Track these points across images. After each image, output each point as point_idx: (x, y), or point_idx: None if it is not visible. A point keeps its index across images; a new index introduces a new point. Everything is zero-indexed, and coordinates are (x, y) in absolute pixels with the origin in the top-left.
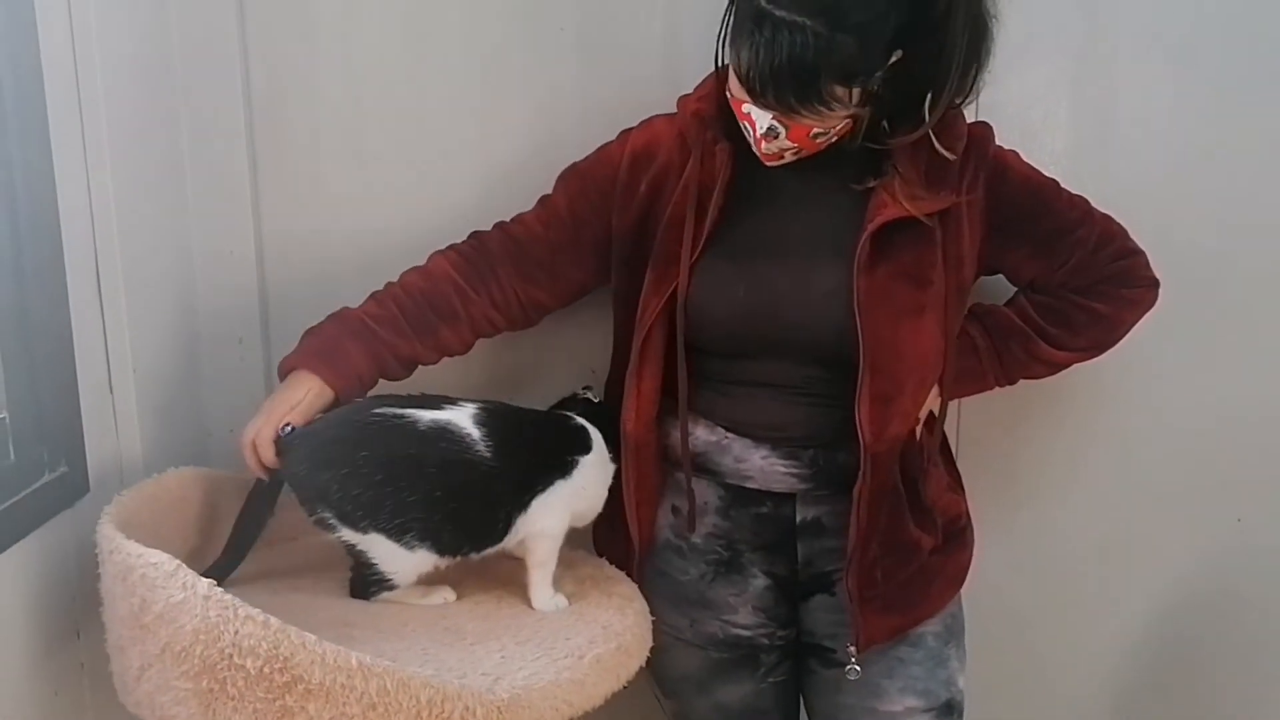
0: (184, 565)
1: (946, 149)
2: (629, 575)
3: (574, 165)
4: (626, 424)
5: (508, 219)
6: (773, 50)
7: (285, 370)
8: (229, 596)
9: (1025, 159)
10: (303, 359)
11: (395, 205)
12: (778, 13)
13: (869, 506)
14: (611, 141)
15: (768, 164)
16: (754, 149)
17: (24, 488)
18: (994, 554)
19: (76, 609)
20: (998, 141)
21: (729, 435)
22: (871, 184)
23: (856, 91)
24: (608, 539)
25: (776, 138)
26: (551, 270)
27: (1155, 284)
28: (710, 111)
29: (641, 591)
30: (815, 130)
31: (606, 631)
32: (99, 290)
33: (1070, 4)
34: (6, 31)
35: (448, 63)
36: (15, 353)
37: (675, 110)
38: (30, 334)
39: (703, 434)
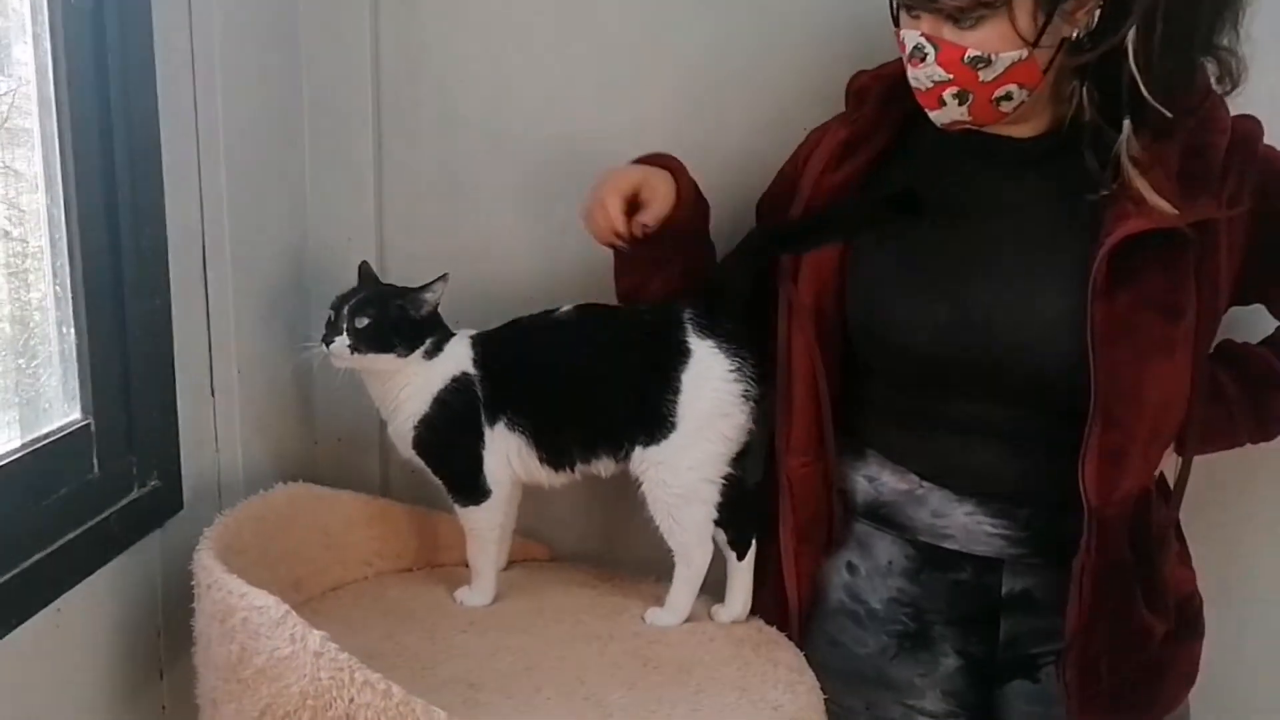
0: (293, 612)
1: (1205, 144)
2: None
3: (763, 195)
4: (779, 452)
5: None
6: None
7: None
8: (344, 656)
9: None
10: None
11: (534, 210)
12: None
13: (1095, 583)
14: (787, 160)
15: (933, 115)
16: (917, 98)
17: (109, 505)
18: (1216, 644)
19: (161, 645)
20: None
21: (924, 484)
22: (1107, 190)
23: (1023, 11)
24: (760, 593)
25: (924, 59)
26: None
27: None
28: (875, 91)
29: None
30: (970, 53)
31: (778, 714)
32: (205, 280)
33: None
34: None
35: (604, 45)
36: (107, 347)
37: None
38: (127, 326)
39: (890, 480)
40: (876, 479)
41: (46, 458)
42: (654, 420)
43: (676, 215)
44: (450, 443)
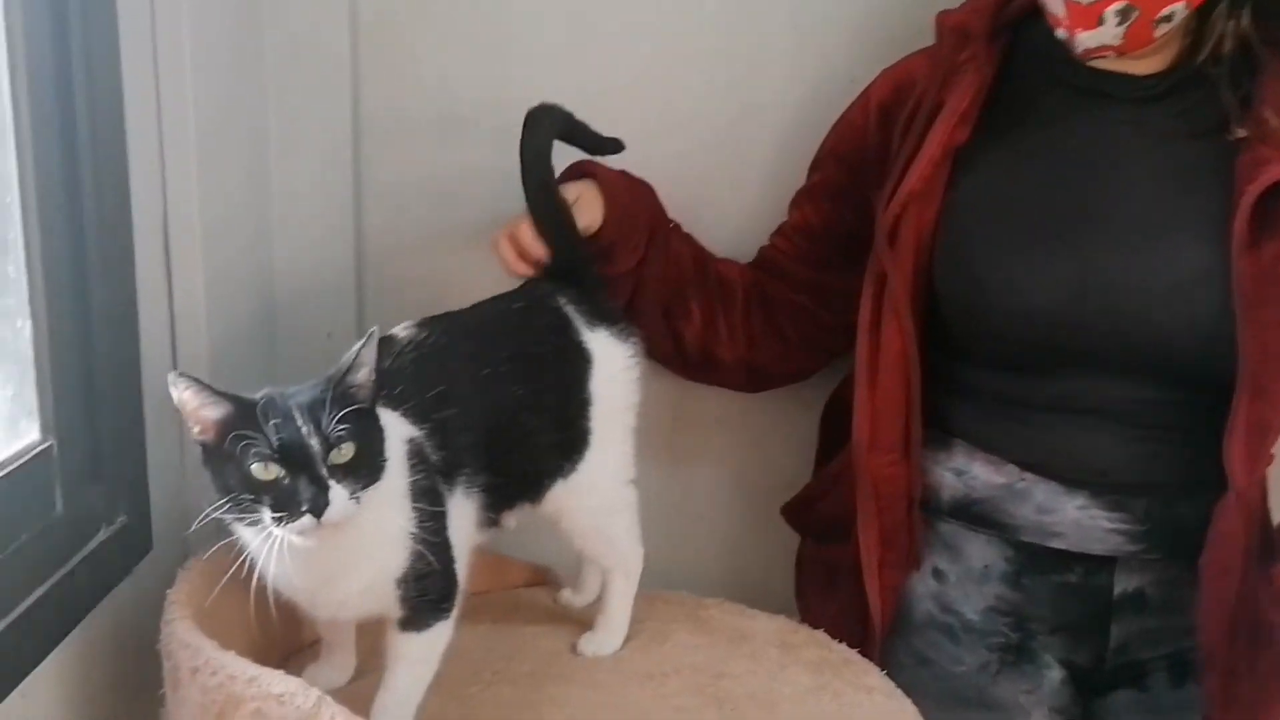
0: (328, 699)
1: None
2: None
3: (820, 147)
4: (859, 449)
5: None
6: None
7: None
8: None
9: None
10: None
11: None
12: None
13: (1242, 576)
14: (852, 105)
15: (1079, 38)
16: (1059, 27)
17: (75, 552)
18: None
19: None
20: None
21: (1026, 476)
22: (1242, 132)
23: None
24: (824, 605)
25: None
26: (817, 290)
27: None
28: (979, 28)
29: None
30: None
31: None
32: (167, 268)
33: None
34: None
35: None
36: (70, 346)
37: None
38: (92, 320)
39: (983, 473)
40: (966, 472)
41: (1, 497)
42: (572, 442)
43: (613, 217)
44: (444, 550)
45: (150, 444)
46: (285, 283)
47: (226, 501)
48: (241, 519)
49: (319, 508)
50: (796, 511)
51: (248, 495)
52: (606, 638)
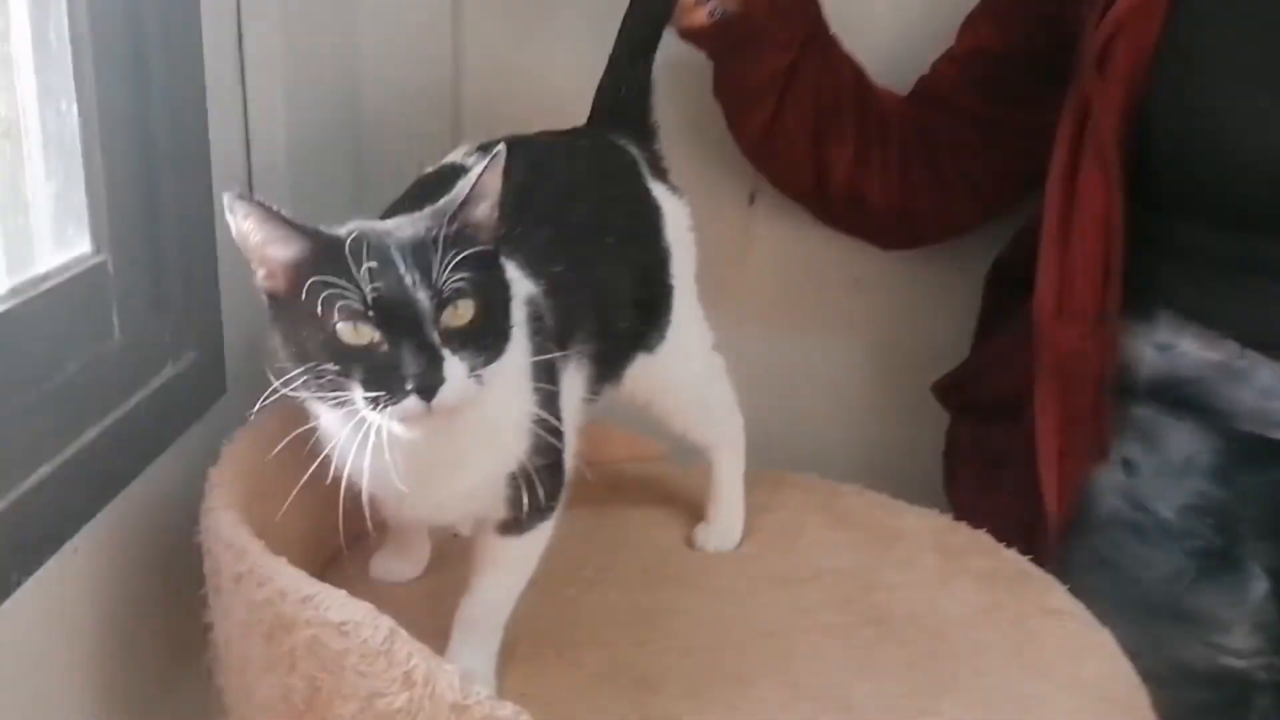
0: (402, 631)
1: None
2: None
3: None
4: (1042, 318)
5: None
6: None
7: None
8: (510, 710)
9: None
10: None
11: None
12: None
13: None
14: None
15: None
16: None
17: (136, 389)
18: None
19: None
20: None
21: (1248, 354)
22: None
23: None
24: (983, 497)
25: None
26: (988, 127)
27: None
28: None
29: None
30: None
31: (1108, 705)
32: (239, 44)
33: None
34: None
35: None
36: (125, 138)
37: None
38: (151, 106)
39: (1193, 349)
40: (1173, 348)
41: (46, 315)
42: (659, 302)
43: None
44: (559, 440)
45: (224, 268)
46: (373, 100)
47: (303, 373)
48: (323, 398)
49: (430, 387)
50: (953, 389)
51: (331, 366)
52: (725, 529)
